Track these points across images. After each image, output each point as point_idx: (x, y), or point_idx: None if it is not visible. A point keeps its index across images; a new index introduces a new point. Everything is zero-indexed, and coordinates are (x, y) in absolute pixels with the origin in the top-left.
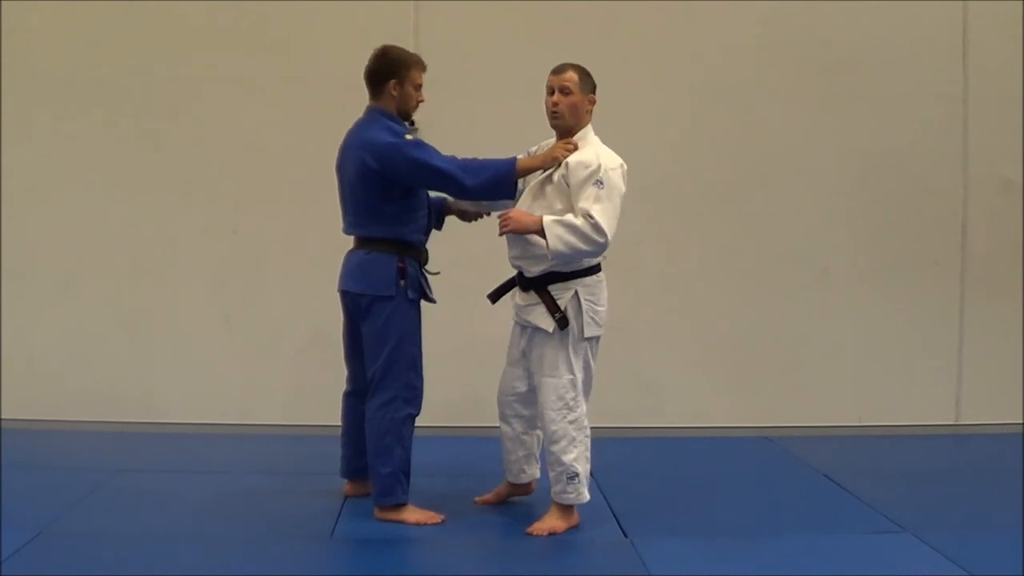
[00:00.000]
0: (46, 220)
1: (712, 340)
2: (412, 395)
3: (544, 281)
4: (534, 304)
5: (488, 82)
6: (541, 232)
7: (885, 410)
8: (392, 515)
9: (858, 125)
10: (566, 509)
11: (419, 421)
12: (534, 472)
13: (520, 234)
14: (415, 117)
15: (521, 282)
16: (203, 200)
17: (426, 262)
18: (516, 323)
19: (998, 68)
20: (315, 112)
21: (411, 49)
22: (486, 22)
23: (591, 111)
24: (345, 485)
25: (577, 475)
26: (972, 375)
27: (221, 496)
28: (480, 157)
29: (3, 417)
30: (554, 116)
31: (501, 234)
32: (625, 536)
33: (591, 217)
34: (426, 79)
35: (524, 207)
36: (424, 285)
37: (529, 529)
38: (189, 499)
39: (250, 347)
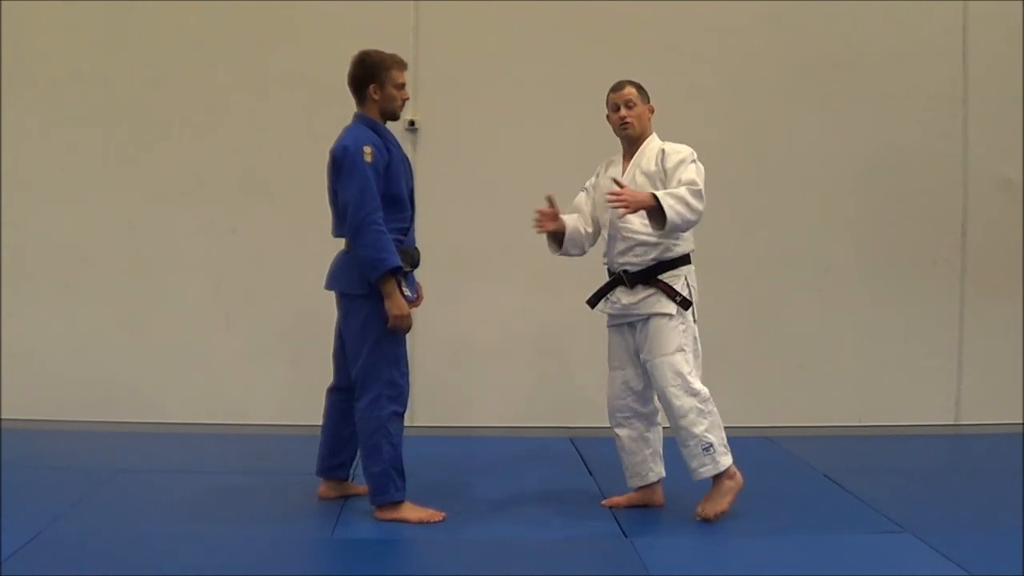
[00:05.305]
0: (46, 220)
1: (712, 340)
2: (396, 393)
3: (654, 272)
4: (648, 295)
5: (488, 82)
6: (654, 207)
7: (885, 410)
8: (392, 514)
9: (858, 125)
10: (720, 483)
11: (419, 421)
12: (660, 470)
13: (636, 210)
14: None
15: (629, 279)
16: (203, 200)
17: (414, 263)
18: (618, 326)
19: (998, 68)
20: (315, 112)
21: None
22: (486, 22)
23: (651, 118)
24: (321, 485)
25: (711, 445)
26: (972, 375)
27: (221, 496)
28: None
29: (3, 417)
30: (624, 127)
31: (621, 215)
32: (625, 536)
33: (695, 184)
34: (426, 79)
35: None
36: (402, 285)
37: (699, 513)
38: (189, 499)
39: (250, 346)
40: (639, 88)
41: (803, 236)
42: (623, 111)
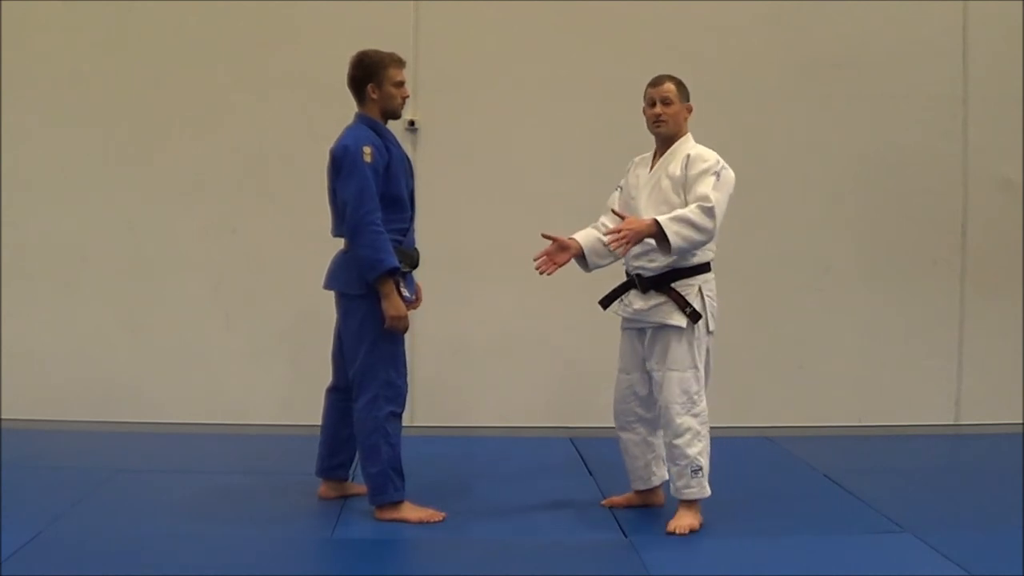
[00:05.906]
0: (46, 220)
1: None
2: (393, 393)
3: (667, 279)
4: (660, 303)
5: (488, 82)
6: (657, 234)
7: (885, 410)
8: (392, 514)
9: (858, 125)
10: (690, 508)
11: (419, 421)
12: (663, 474)
13: (638, 241)
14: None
15: (642, 284)
16: (203, 200)
17: (413, 263)
18: (629, 329)
19: (998, 68)
20: (315, 112)
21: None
22: (486, 22)
23: (688, 118)
24: (320, 486)
25: (701, 469)
26: (972, 375)
27: (221, 496)
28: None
29: (3, 417)
30: (657, 125)
31: (623, 252)
32: (625, 536)
33: (707, 200)
34: (426, 79)
35: (641, 199)
36: (400, 286)
37: (670, 528)
38: (189, 499)
39: (250, 346)
40: (679, 85)
41: (803, 236)
42: (658, 108)
